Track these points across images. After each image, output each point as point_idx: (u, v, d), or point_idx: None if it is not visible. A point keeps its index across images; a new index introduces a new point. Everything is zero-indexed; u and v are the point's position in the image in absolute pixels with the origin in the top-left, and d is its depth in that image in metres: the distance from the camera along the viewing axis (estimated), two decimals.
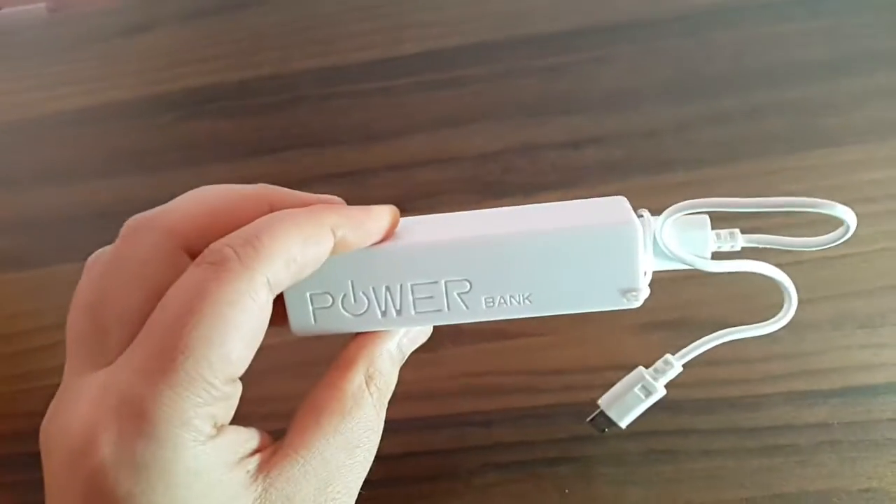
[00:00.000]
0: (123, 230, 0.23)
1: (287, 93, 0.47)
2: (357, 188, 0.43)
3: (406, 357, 0.25)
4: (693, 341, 0.36)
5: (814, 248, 0.27)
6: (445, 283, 0.23)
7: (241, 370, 0.20)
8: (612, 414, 0.31)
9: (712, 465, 0.34)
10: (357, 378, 0.23)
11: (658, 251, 0.25)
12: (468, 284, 0.23)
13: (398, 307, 0.24)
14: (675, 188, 0.40)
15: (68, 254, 0.43)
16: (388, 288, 0.23)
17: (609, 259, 0.23)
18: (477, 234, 0.23)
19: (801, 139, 0.41)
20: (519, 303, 0.23)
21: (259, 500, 0.20)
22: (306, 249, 0.21)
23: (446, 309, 0.24)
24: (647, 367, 0.31)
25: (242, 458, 0.21)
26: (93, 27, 0.53)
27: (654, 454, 0.34)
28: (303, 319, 0.24)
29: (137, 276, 0.21)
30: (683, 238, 0.25)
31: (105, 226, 0.44)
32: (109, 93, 0.49)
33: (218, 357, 0.19)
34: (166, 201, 0.44)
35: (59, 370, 0.39)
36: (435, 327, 0.25)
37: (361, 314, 0.24)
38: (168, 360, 0.19)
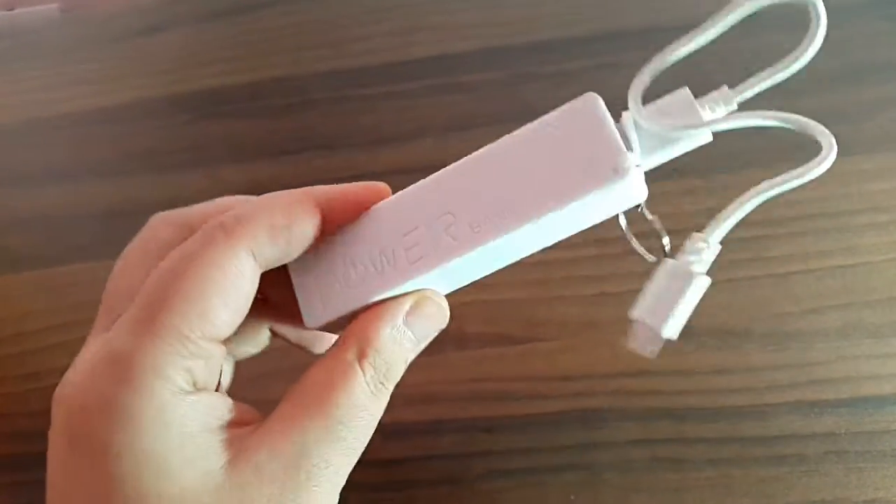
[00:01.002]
0: (147, 223, 0.25)
1: (298, 95, 0.48)
2: None
3: (420, 340, 0.23)
4: (699, 348, 0.36)
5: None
6: (430, 223, 0.23)
7: (222, 332, 0.21)
8: (653, 322, 0.25)
9: (718, 473, 0.34)
10: (348, 354, 0.22)
11: (646, 142, 0.23)
12: (451, 217, 0.22)
13: (392, 262, 0.23)
14: (688, 195, 0.40)
15: (81, 253, 0.43)
16: (381, 251, 0.23)
17: (580, 138, 0.22)
18: (445, 169, 0.23)
19: (809, 148, 0.41)
20: (504, 216, 0.22)
21: (228, 465, 0.20)
22: (290, 221, 0.22)
23: (439, 247, 0.22)
24: (656, 374, 0.31)
25: (221, 425, 0.21)
26: (105, 28, 0.53)
27: (660, 462, 0.34)
28: (313, 308, 0.24)
29: (146, 258, 0.23)
30: (669, 115, 0.24)
31: (117, 225, 0.45)
32: (122, 93, 0.49)
33: (196, 314, 0.20)
34: (179, 201, 0.44)
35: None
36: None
37: (362, 282, 0.23)
38: (150, 314, 0.20)
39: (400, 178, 0.43)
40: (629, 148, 0.22)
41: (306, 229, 0.22)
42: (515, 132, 0.23)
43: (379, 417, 0.22)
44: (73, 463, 0.20)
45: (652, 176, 0.41)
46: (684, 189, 0.40)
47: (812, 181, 0.37)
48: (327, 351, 0.22)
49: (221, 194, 0.44)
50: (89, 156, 0.47)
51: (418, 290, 0.23)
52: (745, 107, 0.24)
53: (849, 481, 0.33)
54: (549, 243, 0.24)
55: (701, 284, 0.25)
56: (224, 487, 0.20)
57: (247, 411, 0.22)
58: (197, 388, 0.21)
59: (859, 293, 0.37)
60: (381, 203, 0.24)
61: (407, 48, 0.49)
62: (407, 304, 0.23)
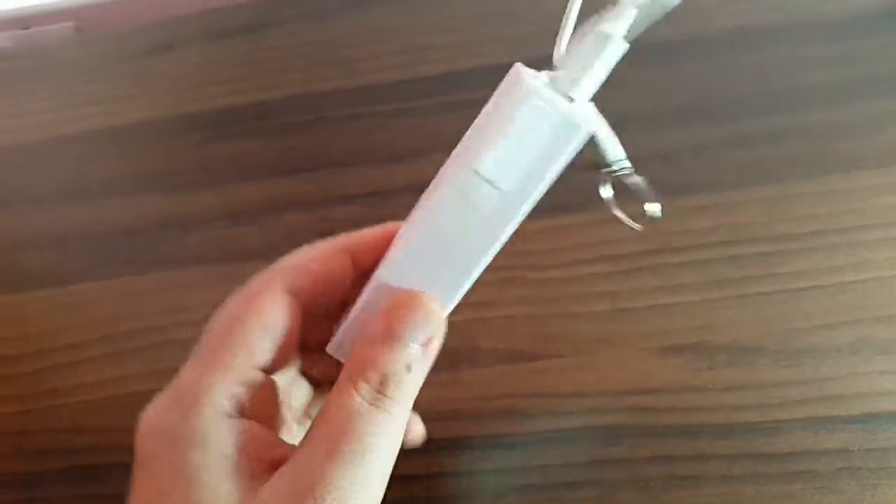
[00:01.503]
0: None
1: (309, 114, 0.48)
2: (378, 209, 0.44)
3: (410, 341, 0.23)
4: (712, 365, 0.36)
5: None
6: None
7: (263, 359, 0.24)
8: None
9: (731, 490, 0.34)
10: (357, 393, 0.22)
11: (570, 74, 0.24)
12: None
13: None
14: (694, 211, 0.40)
15: (96, 271, 0.44)
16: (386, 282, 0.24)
17: (505, 95, 0.24)
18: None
19: (820, 163, 0.41)
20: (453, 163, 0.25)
21: (250, 489, 0.21)
22: (324, 265, 0.25)
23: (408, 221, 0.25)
24: (670, 391, 0.31)
25: (256, 451, 0.22)
26: (119, 47, 0.54)
27: (675, 479, 0.34)
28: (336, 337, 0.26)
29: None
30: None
31: (132, 244, 0.45)
32: (136, 113, 0.50)
33: (238, 345, 0.23)
34: (193, 220, 0.45)
35: (88, 387, 0.40)
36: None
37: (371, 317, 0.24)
38: (204, 350, 0.24)
39: (412, 195, 0.44)
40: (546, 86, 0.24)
41: (338, 271, 0.26)
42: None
43: (394, 433, 0.22)
44: (138, 482, 0.23)
45: (662, 193, 0.42)
46: (695, 206, 0.40)
47: (825, 205, 0.38)
48: (331, 395, 0.23)
49: (232, 213, 0.45)
50: (103, 175, 0.48)
51: (396, 294, 0.23)
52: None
53: (862, 498, 0.33)
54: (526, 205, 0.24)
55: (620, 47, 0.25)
56: None
57: (288, 449, 0.23)
58: (242, 414, 0.23)
59: (871, 309, 0.37)
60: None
61: (416, 66, 0.49)
62: (378, 314, 0.23)
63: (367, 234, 0.27)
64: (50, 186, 0.48)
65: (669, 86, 0.45)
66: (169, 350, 0.41)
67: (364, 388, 0.22)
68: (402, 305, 0.23)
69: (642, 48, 0.46)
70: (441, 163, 0.45)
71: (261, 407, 0.24)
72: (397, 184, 0.44)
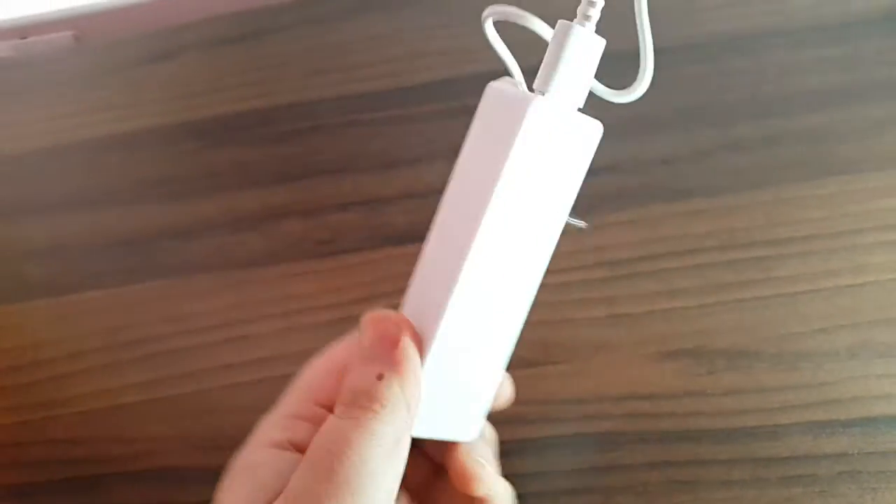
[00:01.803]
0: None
1: (308, 121, 0.48)
2: (375, 216, 0.44)
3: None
4: (710, 370, 0.36)
5: None
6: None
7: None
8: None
9: (731, 495, 0.34)
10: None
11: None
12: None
13: None
14: (692, 216, 0.40)
15: (95, 280, 0.44)
16: None
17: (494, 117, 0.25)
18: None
19: (818, 166, 0.41)
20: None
21: None
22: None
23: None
24: (668, 396, 0.31)
25: None
26: (118, 56, 0.54)
27: (674, 484, 0.34)
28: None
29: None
30: None
31: (132, 253, 0.45)
32: (135, 121, 0.50)
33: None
34: (193, 228, 0.45)
35: (85, 397, 0.40)
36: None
37: None
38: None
39: (411, 201, 0.44)
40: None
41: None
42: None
43: (383, 442, 0.22)
44: None
45: (660, 197, 0.42)
46: (692, 210, 0.40)
47: (823, 209, 0.38)
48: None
49: (234, 221, 0.45)
50: (102, 184, 0.48)
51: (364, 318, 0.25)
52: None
53: (863, 502, 0.33)
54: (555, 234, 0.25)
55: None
56: None
57: None
58: None
59: (869, 312, 0.37)
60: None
61: (414, 73, 0.49)
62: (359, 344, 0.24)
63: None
64: (50, 196, 0.48)
65: (666, 90, 0.45)
66: (168, 360, 0.41)
67: (339, 411, 0.22)
68: (373, 325, 0.24)
69: (633, 54, 0.47)
70: (439, 170, 0.45)
71: None
72: (395, 191, 0.45)
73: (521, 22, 0.23)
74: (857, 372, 0.35)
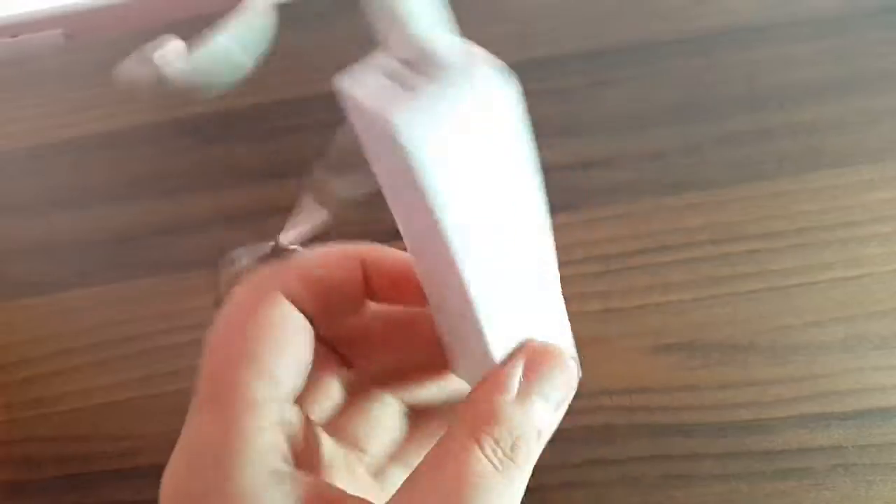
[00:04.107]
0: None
1: (300, 118, 0.48)
2: (369, 212, 0.44)
3: (549, 401, 0.20)
4: (704, 363, 0.36)
5: None
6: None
7: (288, 387, 0.20)
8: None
9: (726, 489, 0.33)
10: (460, 431, 0.19)
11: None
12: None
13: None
14: (685, 210, 0.40)
15: (86, 278, 0.44)
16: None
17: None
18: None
19: (811, 160, 0.41)
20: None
21: None
22: (327, 270, 0.21)
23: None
24: (662, 390, 0.31)
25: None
26: (108, 54, 0.53)
27: (668, 479, 0.34)
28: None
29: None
30: None
31: (124, 250, 0.45)
32: (126, 118, 0.50)
33: (257, 377, 0.19)
34: (184, 225, 0.45)
35: (74, 395, 0.40)
36: None
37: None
38: (210, 389, 0.19)
39: None
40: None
41: (344, 280, 0.21)
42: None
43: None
44: None
45: (652, 191, 0.42)
46: (685, 204, 0.40)
47: (817, 202, 0.38)
48: (441, 436, 0.19)
49: (225, 218, 0.45)
50: (93, 181, 0.48)
51: (530, 344, 0.20)
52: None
53: (857, 495, 0.33)
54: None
55: None
56: None
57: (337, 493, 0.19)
58: (287, 463, 0.19)
59: (863, 305, 0.37)
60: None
61: None
62: (520, 365, 0.20)
63: (388, 252, 0.22)
64: (40, 193, 0.48)
65: (659, 85, 0.45)
66: (159, 356, 0.40)
67: (490, 448, 0.18)
68: (542, 358, 0.20)
69: (632, 49, 0.47)
70: None
71: (300, 447, 0.19)
72: None
73: None
74: (851, 365, 0.35)
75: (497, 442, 0.18)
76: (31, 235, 0.46)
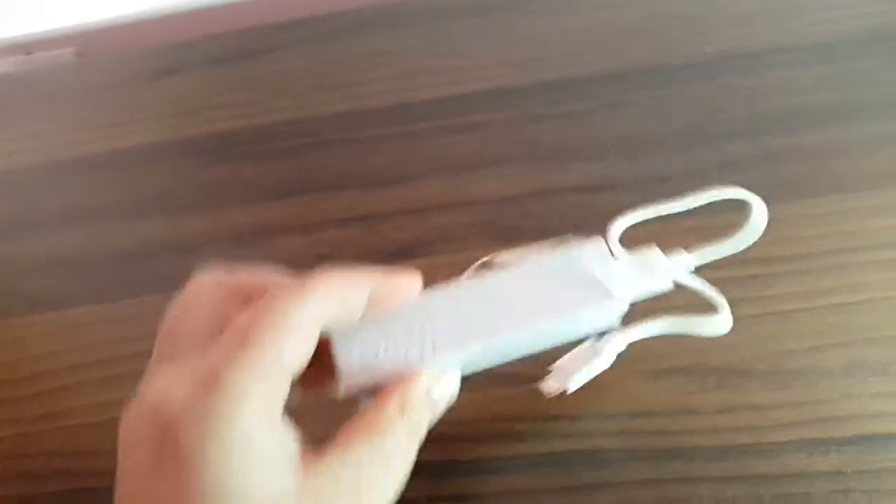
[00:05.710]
0: (196, 278, 0.29)
1: (306, 137, 0.49)
2: (374, 232, 0.44)
3: (438, 411, 0.28)
4: (703, 387, 0.36)
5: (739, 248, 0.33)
6: (454, 319, 0.28)
7: (294, 367, 0.24)
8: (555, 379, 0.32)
9: None
10: (391, 406, 0.26)
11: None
12: (469, 318, 0.28)
13: (421, 346, 0.27)
14: (689, 233, 0.40)
15: (95, 295, 0.44)
16: (414, 336, 0.27)
17: (585, 269, 0.29)
18: (473, 279, 0.29)
19: (813, 185, 0.41)
20: (513, 322, 0.28)
21: (299, 486, 0.23)
22: (347, 292, 0.26)
23: (457, 341, 0.28)
24: (661, 414, 0.31)
25: (290, 444, 0.24)
26: (119, 73, 0.54)
27: (667, 502, 0.34)
28: (351, 374, 0.27)
29: (203, 305, 0.28)
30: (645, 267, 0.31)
31: (130, 268, 0.46)
32: (135, 137, 0.51)
33: (277, 349, 0.23)
34: (190, 244, 0.45)
35: (84, 410, 0.40)
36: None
37: (395, 359, 0.27)
38: (242, 345, 0.23)
39: (407, 218, 0.45)
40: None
41: (358, 301, 0.26)
42: (534, 259, 0.29)
43: (411, 462, 0.26)
44: (161, 471, 0.22)
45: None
46: (686, 228, 0.40)
47: (817, 227, 0.38)
48: (372, 404, 0.26)
49: (230, 236, 0.45)
50: (103, 199, 0.48)
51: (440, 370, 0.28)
52: None
53: None
54: (549, 346, 0.30)
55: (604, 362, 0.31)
56: (300, 498, 0.23)
57: (298, 436, 0.25)
58: (275, 413, 0.24)
59: (863, 331, 0.37)
60: (417, 294, 0.28)
61: (414, 90, 0.50)
62: (436, 378, 0.27)
63: (388, 275, 0.28)
64: (50, 211, 0.49)
65: (664, 109, 0.46)
66: None
67: (408, 425, 0.26)
68: (444, 384, 0.28)
69: (639, 73, 0.47)
70: (436, 188, 0.45)
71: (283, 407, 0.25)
72: (392, 207, 0.45)
73: None
74: (850, 390, 0.35)
75: (410, 420, 0.26)
76: (40, 251, 0.47)
